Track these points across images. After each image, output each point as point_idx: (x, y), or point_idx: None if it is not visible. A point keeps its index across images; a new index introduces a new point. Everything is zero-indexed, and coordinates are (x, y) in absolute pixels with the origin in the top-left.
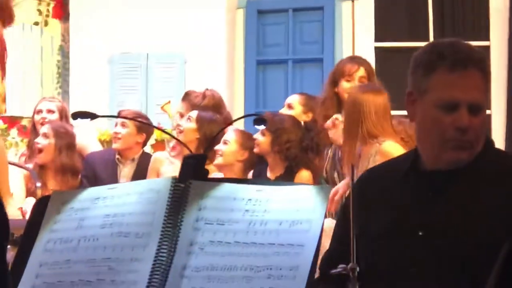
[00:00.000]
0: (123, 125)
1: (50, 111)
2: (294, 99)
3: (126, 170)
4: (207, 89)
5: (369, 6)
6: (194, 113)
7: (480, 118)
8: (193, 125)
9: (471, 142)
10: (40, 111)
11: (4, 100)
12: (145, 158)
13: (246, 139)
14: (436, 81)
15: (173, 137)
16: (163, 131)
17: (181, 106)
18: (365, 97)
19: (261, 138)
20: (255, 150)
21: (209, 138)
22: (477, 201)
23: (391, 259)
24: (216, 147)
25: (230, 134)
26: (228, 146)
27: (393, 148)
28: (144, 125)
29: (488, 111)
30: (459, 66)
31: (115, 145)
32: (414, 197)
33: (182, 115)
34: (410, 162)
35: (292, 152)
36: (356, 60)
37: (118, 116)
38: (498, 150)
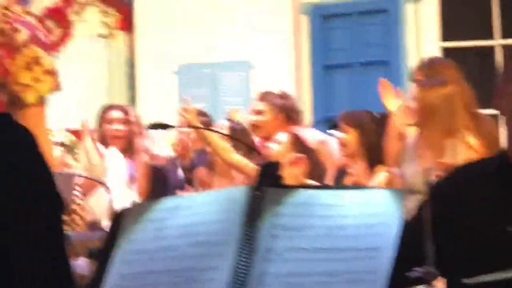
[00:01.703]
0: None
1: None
2: None
3: None
4: (281, 91)
5: (433, 7)
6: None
7: None
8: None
9: None
10: (112, 121)
11: (55, 76)
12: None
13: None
14: None
15: (232, 137)
16: (222, 133)
17: (260, 105)
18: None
19: (346, 136)
20: (344, 153)
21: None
22: None
23: (480, 256)
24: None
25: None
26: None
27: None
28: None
29: None
30: None
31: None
32: (502, 194)
33: (261, 114)
34: (499, 159)
35: (373, 139)
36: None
37: (191, 126)
38: None
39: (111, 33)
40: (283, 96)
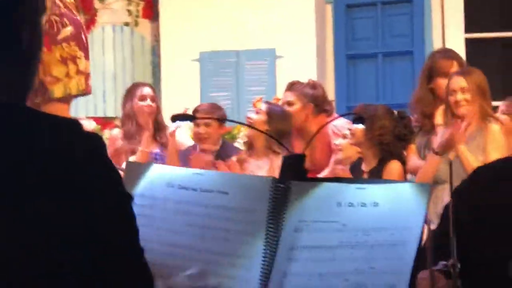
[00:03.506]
0: (206, 124)
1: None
2: None
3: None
4: (310, 79)
5: None
6: (263, 106)
7: None
8: (262, 117)
9: None
10: (145, 97)
11: (87, 79)
12: (226, 147)
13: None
14: None
15: (261, 131)
16: (251, 127)
17: (289, 96)
18: None
19: (356, 128)
20: (351, 141)
21: (280, 134)
22: None
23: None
24: (337, 142)
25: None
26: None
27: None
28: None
29: None
30: None
31: (205, 146)
32: None
33: (290, 104)
34: None
35: (386, 139)
36: (449, 54)
37: (214, 118)
38: None
39: (136, 21)
40: (313, 85)
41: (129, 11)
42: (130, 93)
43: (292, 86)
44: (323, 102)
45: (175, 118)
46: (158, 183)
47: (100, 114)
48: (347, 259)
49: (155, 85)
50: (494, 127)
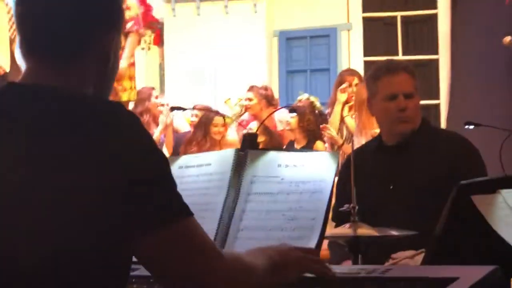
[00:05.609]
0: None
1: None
2: None
3: None
4: (263, 84)
5: (359, 33)
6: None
7: (413, 101)
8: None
9: (410, 117)
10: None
11: (134, 86)
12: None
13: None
14: (380, 83)
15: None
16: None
17: (249, 94)
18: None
19: (291, 120)
20: (288, 128)
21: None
22: (421, 161)
23: (375, 205)
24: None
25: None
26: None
27: None
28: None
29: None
30: (392, 70)
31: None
32: (384, 163)
33: (250, 100)
34: (377, 142)
35: (311, 127)
36: (352, 72)
37: (191, 108)
38: (431, 126)
39: (149, 46)
40: (265, 88)
41: (144, 40)
42: (148, 97)
43: (251, 88)
44: (272, 99)
45: (172, 108)
46: (174, 168)
47: None
48: (284, 201)
49: (162, 89)
50: None
